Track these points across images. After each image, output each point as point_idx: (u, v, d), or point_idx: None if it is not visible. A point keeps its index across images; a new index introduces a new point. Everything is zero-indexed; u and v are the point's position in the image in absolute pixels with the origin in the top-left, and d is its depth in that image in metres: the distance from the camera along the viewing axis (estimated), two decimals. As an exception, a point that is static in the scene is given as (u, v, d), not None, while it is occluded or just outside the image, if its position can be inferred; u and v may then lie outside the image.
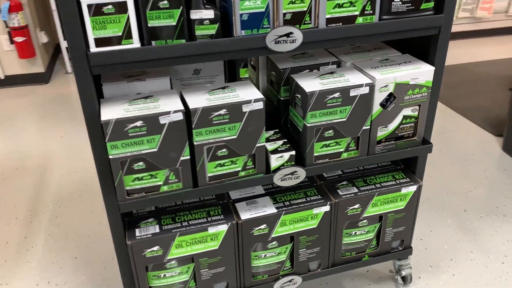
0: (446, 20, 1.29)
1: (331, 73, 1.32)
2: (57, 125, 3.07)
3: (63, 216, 2.19)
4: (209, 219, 1.36)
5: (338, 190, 1.48)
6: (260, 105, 1.19)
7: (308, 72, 1.35)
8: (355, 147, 1.36)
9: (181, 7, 1.07)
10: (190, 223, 1.35)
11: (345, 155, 1.36)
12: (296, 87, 1.28)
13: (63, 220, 2.16)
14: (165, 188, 1.22)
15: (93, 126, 1.13)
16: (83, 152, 2.73)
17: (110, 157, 1.13)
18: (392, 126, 1.39)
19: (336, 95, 1.24)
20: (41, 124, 3.10)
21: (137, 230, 1.32)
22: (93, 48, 1.05)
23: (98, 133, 1.14)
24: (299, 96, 1.27)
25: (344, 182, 1.52)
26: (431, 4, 1.27)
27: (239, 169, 1.27)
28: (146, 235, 1.30)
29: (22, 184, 2.45)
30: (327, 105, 1.24)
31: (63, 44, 3.86)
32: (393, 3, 1.23)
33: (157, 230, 1.32)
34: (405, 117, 1.39)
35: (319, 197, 1.45)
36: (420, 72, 1.33)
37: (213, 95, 1.21)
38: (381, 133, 1.38)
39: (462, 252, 1.93)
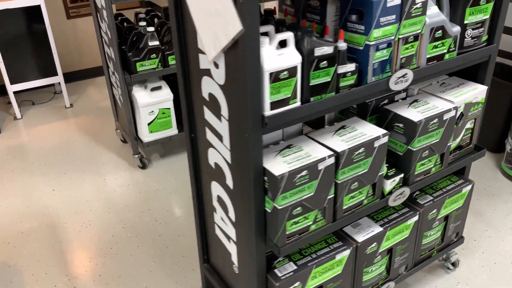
0: (496, 49, 1.58)
1: (416, 101, 1.53)
2: (36, 180, 2.84)
3: (108, 274, 2.09)
4: (331, 247, 1.48)
5: (418, 200, 1.69)
6: (385, 139, 1.35)
7: (400, 102, 1.54)
8: (440, 162, 1.58)
9: (335, 65, 1.19)
10: (318, 254, 1.45)
11: (433, 169, 1.58)
12: (395, 117, 1.47)
13: (110, 277, 2.07)
14: (313, 227, 1.32)
15: (258, 182, 1.19)
16: (87, 204, 2.59)
17: (280, 207, 1.20)
18: (458, 139, 1.64)
19: (436, 120, 1.45)
20: (15, 180, 2.84)
21: (276, 271, 1.39)
22: (268, 111, 1.12)
23: (261, 187, 1.20)
24: (400, 125, 1.46)
25: (417, 192, 1.74)
26: (487, 37, 1.54)
27: (364, 197, 1.42)
28: (288, 273, 1.38)
29: (38, 248, 2.26)
30: (428, 130, 1.45)
31: (10, 88, 3.53)
32: (465, 39, 1.48)
33: (294, 267, 1.40)
34: (466, 129, 1.66)
35: (408, 209, 1.65)
36: (479, 92, 1.60)
37: (343, 135, 1.34)
38: (451, 145, 1.63)
39: (480, 232, 2.28)
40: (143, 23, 2.45)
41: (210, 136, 1.39)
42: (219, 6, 1.06)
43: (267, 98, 1.10)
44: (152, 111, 2.69)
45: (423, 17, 1.30)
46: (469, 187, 1.78)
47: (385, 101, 1.54)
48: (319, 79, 1.18)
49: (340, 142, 1.30)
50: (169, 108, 2.73)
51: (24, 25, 3.38)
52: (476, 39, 1.50)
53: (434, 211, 1.70)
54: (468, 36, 1.47)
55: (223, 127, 1.28)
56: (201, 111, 1.40)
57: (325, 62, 1.17)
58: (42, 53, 3.51)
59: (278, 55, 1.09)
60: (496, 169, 2.78)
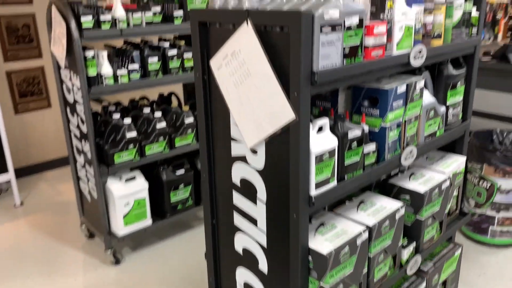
0: (469, 124, 1.82)
1: (413, 174, 1.68)
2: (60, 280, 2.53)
3: None
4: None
5: (421, 267, 1.79)
6: (403, 211, 1.46)
7: (400, 175, 1.67)
8: (439, 229, 1.71)
9: (363, 145, 1.31)
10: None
11: (435, 236, 1.70)
12: (400, 190, 1.59)
13: None
14: (351, 303, 1.35)
15: (304, 263, 1.22)
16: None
17: (327, 286, 1.22)
18: (449, 206, 1.80)
19: (436, 190, 1.59)
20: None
21: None
22: (313, 191, 1.19)
23: (306, 268, 1.23)
24: (407, 197, 1.58)
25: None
26: (461, 115, 1.78)
27: (387, 269, 1.48)
28: None
29: None
30: (432, 200, 1.59)
31: (13, 173, 3.24)
32: (448, 118, 1.69)
33: None
34: (453, 197, 1.83)
35: (416, 277, 1.73)
36: (461, 162, 1.80)
37: (367, 210, 1.43)
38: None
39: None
40: (116, 116, 2.46)
41: (239, 220, 1.41)
42: (265, 96, 1.15)
43: (313, 179, 1.17)
44: (128, 203, 2.61)
45: (421, 100, 1.49)
46: (459, 250, 1.92)
47: (384, 176, 1.67)
48: (352, 158, 1.28)
49: (367, 216, 1.39)
50: (144, 198, 2.67)
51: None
52: (455, 117, 1.73)
53: (436, 276, 1.79)
54: (450, 114, 1.69)
55: (259, 210, 1.31)
56: (228, 196, 1.42)
57: (355, 143, 1.28)
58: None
59: (319, 139, 1.19)
60: (457, 232, 3.00)
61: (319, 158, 1.17)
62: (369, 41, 1.21)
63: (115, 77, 2.43)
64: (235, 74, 1.21)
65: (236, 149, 1.34)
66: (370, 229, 1.33)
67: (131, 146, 2.50)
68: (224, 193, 1.44)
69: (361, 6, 1.17)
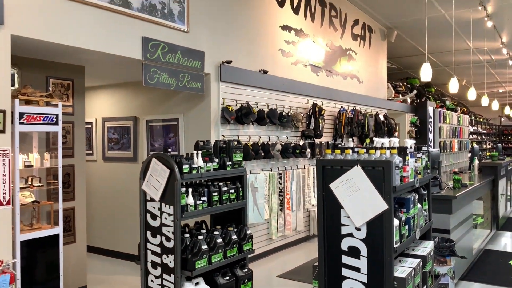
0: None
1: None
2: None
3: None
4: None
5: None
6: None
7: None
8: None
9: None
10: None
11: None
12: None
13: None
14: (413, 311, 2.48)
15: (392, 284, 2.39)
16: None
17: (407, 295, 2.38)
18: (431, 269, 3.11)
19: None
20: None
21: None
22: (395, 244, 2.42)
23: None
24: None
25: None
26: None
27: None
28: None
29: None
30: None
31: None
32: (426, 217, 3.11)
33: None
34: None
35: None
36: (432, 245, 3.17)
37: (417, 251, 2.66)
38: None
39: None
40: (200, 237, 3.42)
41: (345, 272, 2.52)
42: (368, 199, 2.43)
43: (394, 238, 2.41)
44: (196, 303, 3.41)
45: (418, 205, 2.89)
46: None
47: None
48: (403, 231, 2.56)
49: (421, 252, 2.62)
50: (205, 300, 3.49)
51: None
52: (427, 217, 3.15)
53: None
54: (425, 215, 3.11)
55: (361, 262, 2.47)
56: (337, 259, 2.55)
57: (403, 223, 2.58)
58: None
59: (394, 219, 2.47)
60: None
61: (396, 228, 2.43)
62: (403, 174, 2.61)
63: (195, 206, 3.47)
64: (348, 189, 2.49)
65: (345, 230, 2.53)
66: (423, 259, 2.56)
67: (204, 255, 3.43)
68: (334, 258, 2.57)
69: (400, 159, 2.59)
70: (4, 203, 3.25)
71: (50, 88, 4.38)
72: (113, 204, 5.97)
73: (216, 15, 5.17)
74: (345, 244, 2.51)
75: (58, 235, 3.87)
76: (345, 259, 2.51)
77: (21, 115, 3.45)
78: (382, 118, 8.38)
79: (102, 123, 6.19)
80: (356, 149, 2.62)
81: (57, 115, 3.75)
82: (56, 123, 3.75)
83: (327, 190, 2.57)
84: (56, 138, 3.94)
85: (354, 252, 2.48)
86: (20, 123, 3.44)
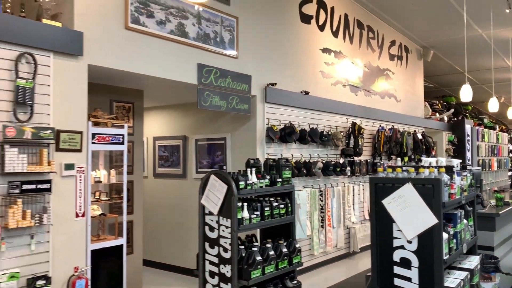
0: (477, 237, 3.40)
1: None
2: None
3: None
4: None
5: None
6: None
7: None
8: None
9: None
10: None
11: None
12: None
13: None
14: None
15: (445, 293, 2.57)
16: None
17: (458, 304, 2.55)
18: (478, 283, 3.25)
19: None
20: None
21: None
22: (445, 256, 2.61)
23: (446, 296, 2.57)
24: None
25: None
26: (473, 232, 3.37)
27: (468, 308, 2.83)
28: None
29: None
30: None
31: None
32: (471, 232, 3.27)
33: None
34: (478, 278, 3.29)
35: None
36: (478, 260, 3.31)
37: (464, 264, 2.83)
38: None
39: None
40: (255, 249, 3.68)
41: (397, 281, 2.72)
42: (419, 214, 2.63)
43: (443, 250, 2.60)
44: (251, 310, 3.64)
45: (464, 221, 3.06)
46: None
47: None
48: (451, 244, 2.74)
49: (468, 265, 2.79)
50: (259, 308, 3.72)
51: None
52: (473, 232, 3.31)
53: None
54: (471, 230, 3.27)
55: (413, 272, 2.66)
56: (390, 269, 2.75)
57: (452, 237, 2.76)
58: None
59: (443, 233, 2.66)
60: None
61: (445, 241, 2.62)
62: (451, 191, 2.80)
63: (250, 219, 3.74)
64: (400, 205, 2.70)
65: (396, 243, 2.74)
66: (471, 272, 2.73)
67: (259, 266, 3.68)
68: (388, 267, 2.77)
69: (448, 177, 2.79)
70: (80, 215, 3.61)
71: (113, 110, 4.79)
72: (163, 218, 6.32)
73: (261, 41, 5.50)
74: (397, 255, 2.71)
75: (122, 245, 4.21)
76: (397, 270, 2.71)
77: (93, 135, 3.84)
78: (420, 137, 8.48)
79: (153, 142, 6.59)
80: (405, 168, 2.84)
81: (123, 135, 4.13)
82: (122, 143, 4.13)
83: (379, 205, 2.79)
84: (119, 156, 4.32)
85: (405, 263, 2.67)
86: (92, 142, 3.82)
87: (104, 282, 4.19)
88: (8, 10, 3.33)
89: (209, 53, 4.78)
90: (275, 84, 5.59)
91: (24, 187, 3.15)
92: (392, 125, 8.03)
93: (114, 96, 4.81)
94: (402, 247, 2.70)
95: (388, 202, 2.73)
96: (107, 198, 4.24)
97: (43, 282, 3.20)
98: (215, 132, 5.91)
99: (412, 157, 8.17)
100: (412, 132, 8.40)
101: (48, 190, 3.31)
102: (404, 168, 2.80)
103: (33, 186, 3.20)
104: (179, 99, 5.95)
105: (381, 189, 2.78)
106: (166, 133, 6.46)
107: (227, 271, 3.63)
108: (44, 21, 3.43)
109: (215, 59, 4.83)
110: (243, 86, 5.18)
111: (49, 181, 3.31)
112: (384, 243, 2.76)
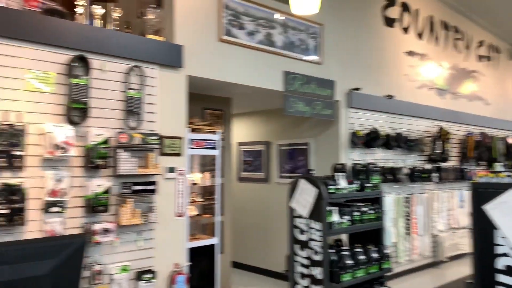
0: None
1: None
2: None
3: None
4: None
5: None
6: None
7: None
8: None
9: None
10: None
11: None
12: None
13: None
14: None
15: None
16: None
17: None
18: None
19: None
20: None
21: None
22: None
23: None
24: None
25: None
26: None
27: None
28: None
29: None
30: None
31: None
32: None
33: None
34: None
35: None
36: None
37: None
38: None
39: None
40: (345, 253, 3.73)
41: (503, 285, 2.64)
42: (526, 221, 2.54)
43: (556, 260, 2.48)
44: (341, 313, 3.69)
45: None
46: None
47: None
48: None
49: None
50: (349, 311, 3.76)
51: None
52: None
53: None
54: None
55: (520, 282, 2.57)
56: (492, 277, 2.67)
57: None
58: None
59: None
60: None
61: (556, 250, 2.50)
62: (561, 198, 2.66)
63: (340, 223, 3.80)
64: (504, 211, 2.62)
65: (499, 250, 2.66)
66: None
67: (349, 270, 3.71)
68: (489, 275, 2.69)
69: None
70: (180, 214, 3.89)
71: (205, 118, 5.09)
72: (247, 221, 6.55)
73: (345, 46, 5.54)
74: (500, 263, 2.63)
75: (214, 245, 4.45)
76: (501, 278, 2.62)
77: (191, 141, 4.12)
78: (511, 141, 7.97)
79: (237, 147, 6.85)
80: (508, 173, 2.74)
81: (216, 140, 4.38)
82: (215, 148, 4.38)
83: (479, 211, 2.72)
84: (210, 160, 4.57)
85: (511, 271, 2.58)
86: (190, 147, 4.10)
87: (198, 279, 4.45)
88: (117, 28, 3.69)
89: (294, 60, 4.91)
90: (358, 89, 5.59)
91: (134, 188, 3.47)
92: (481, 130, 7.63)
93: (206, 104, 5.10)
94: (505, 254, 2.61)
95: (491, 208, 2.66)
96: (201, 200, 4.50)
97: (150, 275, 3.49)
98: (298, 137, 6.02)
99: (503, 163, 7.70)
100: (503, 137, 7.92)
101: (154, 191, 3.60)
102: (508, 173, 2.71)
103: (141, 187, 3.51)
104: (263, 105, 6.15)
105: (482, 195, 2.71)
106: (249, 139, 6.69)
107: (318, 274, 3.71)
108: (149, 36, 3.76)
109: (299, 66, 4.96)
110: (327, 91, 5.25)
111: (154, 183, 3.61)
112: (484, 250, 2.69)
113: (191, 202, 4.40)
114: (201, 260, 4.41)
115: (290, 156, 6.19)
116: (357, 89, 5.58)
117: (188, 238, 4.05)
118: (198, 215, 4.39)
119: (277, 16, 4.70)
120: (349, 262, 3.73)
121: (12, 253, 1.03)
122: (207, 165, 4.80)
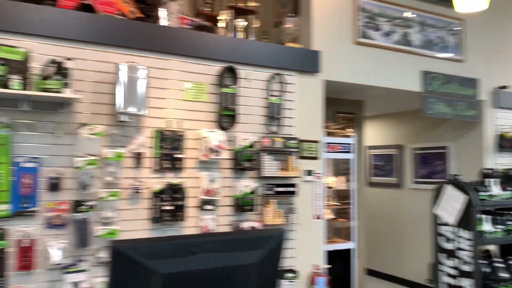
0: None
1: None
2: None
3: None
4: None
5: None
6: None
7: None
8: None
9: None
10: None
11: None
12: None
13: None
14: None
15: None
16: None
17: None
18: None
19: None
20: None
21: None
22: None
23: None
24: None
25: None
26: None
27: None
28: None
29: None
30: None
31: None
32: None
33: None
34: None
35: None
36: None
37: None
38: None
39: None
40: (499, 264, 3.44)
41: None
42: None
43: None
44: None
45: None
46: None
47: None
48: None
49: None
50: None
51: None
52: None
53: None
54: None
55: None
56: None
57: None
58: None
59: None
60: None
61: None
62: None
63: (492, 233, 3.50)
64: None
65: None
66: None
67: (503, 283, 3.40)
68: None
69: None
70: (317, 217, 3.95)
71: (337, 121, 5.10)
72: (379, 227, 6.37)
73: (489, 41, 5.10)
74: None
75: (351, 249, 4.42)
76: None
77: (326, 144, 4.16)
78: None
79: (365, 151, 6.72)
80: None
81: (351, 144, 4.36)
82: (350, 151, 4.36)
83: None
84: (343, 164, 4.56)
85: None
86: (325, 151, 4.14)
87: (333, 282, 4.46)
88: (255, 38, 3.90)
89: (432, 59, 4.67)
90: (507, 87, 5.10)
91: (277, 189, 3.62)
92: None
93: (338, 107, 5.11)
94: None
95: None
96: (336, 203, 4.52)
97: (293, 275, 3.60)
98: (434, 140, 5.70)
99: None
100: None
101: (294, 193, 3.72)
102: None
103: (283, 189, 3.65)
104: (396, 108, 5.95)
105: None
106: (380, 142, 6.52)
107: (468, 285, 3.46)
108: (288, 44, 3.90)
109: (438, 64, 4.70)
110: (470, 91, 4.89)
111: (294, 185, 3.73)
112: None
113: (327, 205, 4.43)
114: (337, 263, 4.41)
115: (425, 161, 5.88)
116: (504, 87, 5.10)
117: (325, 241, 4.09)
118: (334, 218, 4.41)
119: (415, 14, 4.52)
120: (504, 275, 3.41)
121: (228, 242, 1.17)
122: (339, 169, 4.80)
